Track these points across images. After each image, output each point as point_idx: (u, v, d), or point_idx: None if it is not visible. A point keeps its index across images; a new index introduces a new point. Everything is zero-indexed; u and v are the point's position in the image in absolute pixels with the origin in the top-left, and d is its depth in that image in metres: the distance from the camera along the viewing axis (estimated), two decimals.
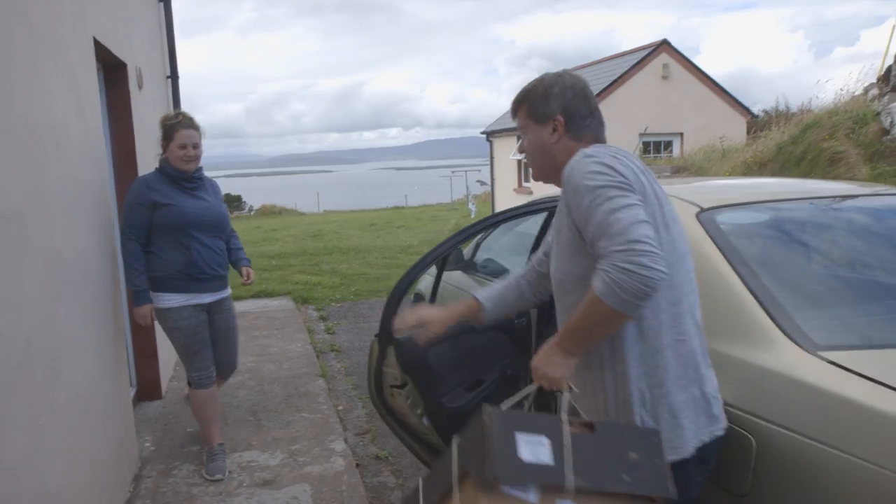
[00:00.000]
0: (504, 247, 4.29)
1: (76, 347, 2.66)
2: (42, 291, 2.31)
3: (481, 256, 4.17)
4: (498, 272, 4.02)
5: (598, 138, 1.82)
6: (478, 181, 24.80)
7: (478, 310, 2.12)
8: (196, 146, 3.39)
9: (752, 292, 1.95)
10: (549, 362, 1.65)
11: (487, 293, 2.16)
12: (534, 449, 1.43)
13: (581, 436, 1.49)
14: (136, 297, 3.33)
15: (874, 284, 2.21)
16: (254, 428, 4.17)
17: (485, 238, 4.19)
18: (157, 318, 3.44)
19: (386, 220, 21.73)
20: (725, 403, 1.77)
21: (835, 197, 2.58)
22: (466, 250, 4.25)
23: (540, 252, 2.14)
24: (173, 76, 6.46)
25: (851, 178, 7.59)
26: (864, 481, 1.46)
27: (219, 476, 3.48)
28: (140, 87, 4.73)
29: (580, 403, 1.72)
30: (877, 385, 1.54)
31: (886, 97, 10.17)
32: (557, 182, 1.81)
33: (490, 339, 2.92)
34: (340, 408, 4.56)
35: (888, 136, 9.01)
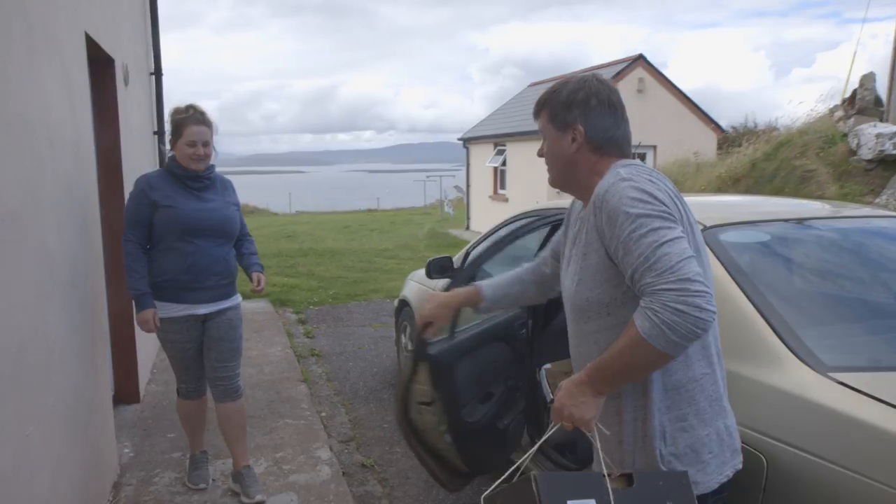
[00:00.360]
0: (495, 258, 4.29)
1: (64, 352, 2.58)
2: (35, 295, 2.24)
3: (471, 266, 4.15)
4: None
5: (624, 153, 1.70)
6: (455, 187, 24.87)
7: (477, 298, 2.12)
8: (206, 144, 3.10)
9: (760, 312, 1.98)
10: (577, 402, 1.52)
11: (489, 282, 2.18)
12: None
13: (622, 491, 1.48)
14: (138, 301, 3.05)
15: (879, 305, 2.26)
16: None
17: (475, 247, 4.18)
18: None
19: (359, 223, 21.60)
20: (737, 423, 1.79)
21: (837, 218, 2.64)
22: (456, 258, 4.24)
23: (547, 252, 2.06)
24: (157, 73, 6.34)
25: (821, 196, 7.79)
26: (876, 501, 1.49)
27: (202, 485, 3.39)
28: (126, 83, 4.63)
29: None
30: (887, 407, 1.58)
31: (852, 119, 10.50)
32: (574, 193, 1.78)
33: (495, 351, 2.93)
34: (323, 414, 4.50)
35: (855, 157, 9.28)
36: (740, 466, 1.65)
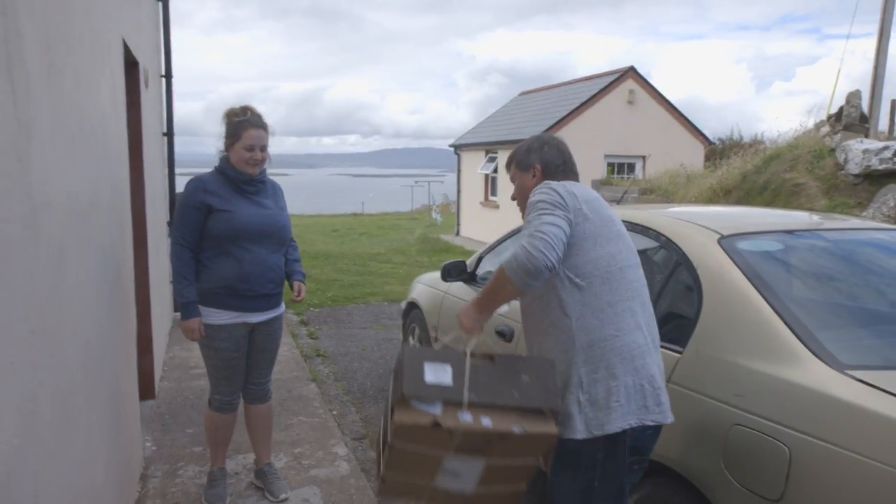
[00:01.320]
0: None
1: (110, 347, 2.69)
2: (96, 292, 2.35)
3: (483, 268, 4.31)
4: None
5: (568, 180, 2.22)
6: (443, 194, 25.05)
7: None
8: (264, 148, 2.99)
9: (778, 314, 2.15)
10: (467, 316, 2.09)
11: None
12: (437, 374, 1.84)
13: (481, 364, 1.88)
14: (184, 309, 2.93)
15: (889, 311, 2.45)
16: None
17: (489, 251, 4.33)
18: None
19: (347, 227, 21.69)
20: (759, 416, 1.96)
21: (845, 229, 2.83)
22: (470, 261, 4.39)
23: None
24: (167, 75, 6.44)
25: (811, 209, 8.05)
26: (891, 484, 1.66)
27: None
28: (146, 86, 4.73)
29: None
30: None
31: (839, 135, 10.82)
32: None
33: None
34: (335, 412, 4.62)
35: (843, 171, 9.58)
36: (651, 423, 1.98)
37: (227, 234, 2.92)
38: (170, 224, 6.66)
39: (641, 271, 2.15)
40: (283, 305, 3.25)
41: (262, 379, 3.31)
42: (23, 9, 1.40)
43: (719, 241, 2.54)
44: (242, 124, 2.94)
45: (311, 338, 6.74)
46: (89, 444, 2.15)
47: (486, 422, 1.79)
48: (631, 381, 1.96)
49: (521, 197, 2.34)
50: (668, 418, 2.02)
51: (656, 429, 2.06)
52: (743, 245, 2.51)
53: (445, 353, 1.94)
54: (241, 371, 3.18)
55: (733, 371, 2.13)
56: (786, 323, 2.11)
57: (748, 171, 9.25)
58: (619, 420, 1.93)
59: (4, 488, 1.24)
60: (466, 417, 1.79)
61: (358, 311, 8.04)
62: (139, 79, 4.35)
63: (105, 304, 2.56)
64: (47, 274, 1.61)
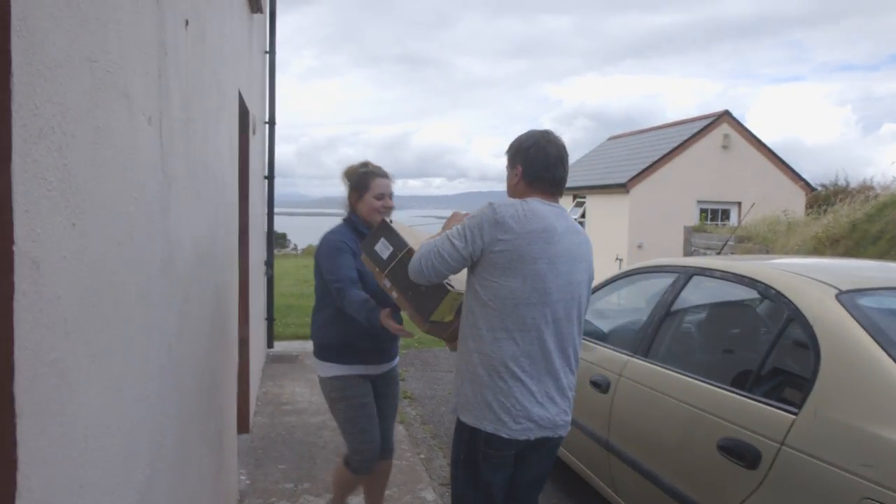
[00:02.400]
0: (598, 310, 4.36)
1: (218, 382, 2.81)
2: (211, 326, 2.47)
3: None
4: (591, 333, 4.08)
5: (546, 192, 2.32)
6: None
7: None
8: (391, 196, 3.04)
9: None
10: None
11: None
12: (382, 249, 2.55)
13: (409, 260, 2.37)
14: (374, 317, 2.68)
15: None
16: None
17: None
18: (322, 387, 3.07)
19: None
20: (893, 490, 1.81)
21: None
22: None
23: None
24: (271, 122, 6.80)
25: None
26: None
27: None
28: (254, 132, 5.02)
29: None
30: None
31: None
32: None
33: None
34: (422, 456, 4.61)
35: None
36: (505, 436, 2.19)
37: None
38: (267, 264, 6.96)
39: (554, 308, 2.22)
40: (398, 356, 3.32)
41: (388, 427, 3.25)
42: (171, 66, 1.53)
43: (837, 297, 2.40)
44: (369, 175, 3.01)
45: (399, 379, 6.78)
46: (200, 475, 2.23)
47: (394, 294, 2.57)
48: (490, 395, 2.20)
49: (507, 188, 2.46)
50: (532, 436, 2.23)
51: (526, 443, 2.26)
52: (864, 301, 2.37)
53: (401, 241, 2.51)
54: (376, 421, 3.06)
55: (860, 437, 1.98)
56: None
57: (858, 218, 8.74)
58: (473, 421, 2.24)
59: None
60: (386, 283, 2.56)
61: (444, 354, 8.05)
62: (249, 127, 4.62)
63: (216, 341, 2.68)
64: (176, 313, 1.71)
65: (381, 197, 2.99)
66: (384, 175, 3.05)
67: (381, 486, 3.38)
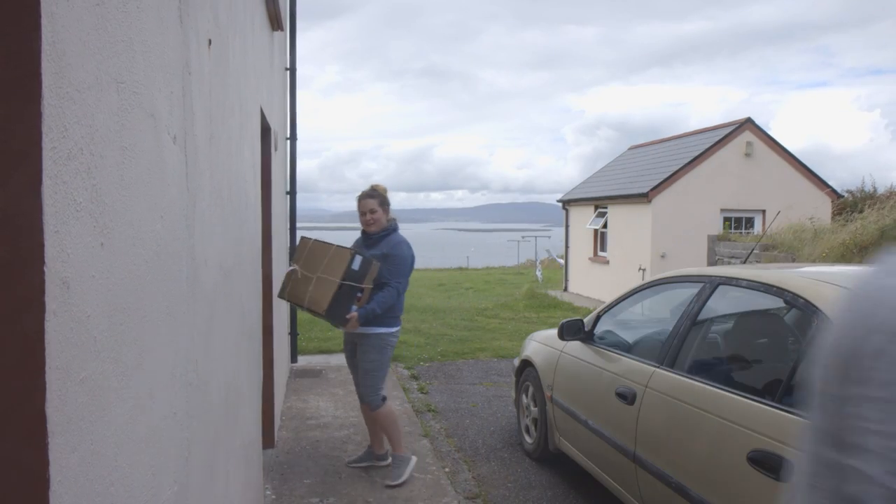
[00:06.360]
0: (623, 320, 4.32)
1: (244, 397, 2.83)
2: (235, 343, 2.49)
3: (602, 327, 4.20)
4: (616, 344, 4.04)
5: None
6: (546, 250, 24.87)
7: None
8: (371, 211, 4.22)
9: None
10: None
11: None
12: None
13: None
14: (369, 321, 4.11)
15: None
16: (367, 484, 4.24)
17: (607, 310, 4.23)
18: (377, 343, 4.18)
19: (454, 281, 21.87)
20: None
21: None
22: (587, 319, 4.29)
23: None
24: (292, 138, 6.87)
25: None
26: None
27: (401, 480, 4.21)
28: (276, 149, 5.07)
29: None
30: None
31: None
32: None
33: None
34: (447, 469, 4.58)
35: None
36: None
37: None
38: None
39: None
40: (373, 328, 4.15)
41: None
42: (195, 85, 1.55)
43: None
44: (358, 197, 4.32)
45: (422, 392, 6.78)
46: (226, 490, 2.24)
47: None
48: None
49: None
50: None
51: None
52: None
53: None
54: None
55: None
56: None
57: (887, 225, 8.58)
58: None
59: None
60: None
61: (467, 367, 8.03)
62: (270, 143, 4.66)
63: (242, 357, 2.70)
64: (202, 329, 1.73)
65: (363, 214, 4.22)
66: (366, 196, 4.24)
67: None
